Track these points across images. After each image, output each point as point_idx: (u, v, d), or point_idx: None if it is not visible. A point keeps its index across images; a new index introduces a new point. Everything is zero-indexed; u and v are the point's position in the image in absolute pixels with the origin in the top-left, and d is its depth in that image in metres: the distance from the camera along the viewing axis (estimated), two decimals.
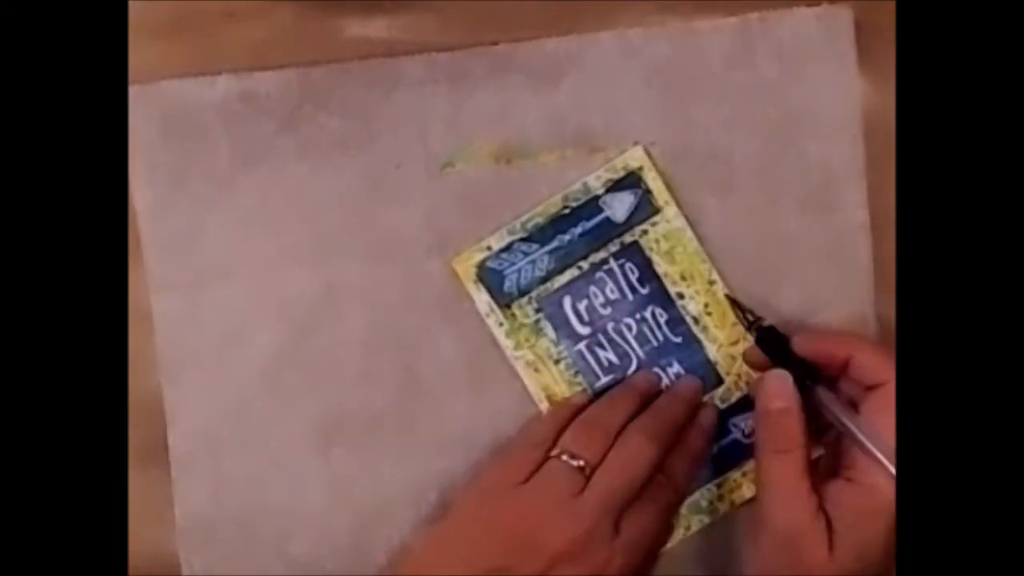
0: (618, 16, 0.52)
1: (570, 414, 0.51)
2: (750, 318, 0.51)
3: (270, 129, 0.52)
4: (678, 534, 0.52)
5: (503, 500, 0.48)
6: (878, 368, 0.47)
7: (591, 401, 0.52)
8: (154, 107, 0.52)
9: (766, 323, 0.51)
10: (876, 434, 0.45)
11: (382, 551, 0.52)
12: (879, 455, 0.45)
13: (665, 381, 0.53)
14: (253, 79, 0.52)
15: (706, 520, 0.52)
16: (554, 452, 0.49)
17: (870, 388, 0.47)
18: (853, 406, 0.47)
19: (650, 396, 0.52)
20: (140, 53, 0.51)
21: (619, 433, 0.49)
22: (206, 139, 0.52)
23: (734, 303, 0.52)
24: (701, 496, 0.52)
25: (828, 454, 0.49)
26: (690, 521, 0.52)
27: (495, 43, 0.52)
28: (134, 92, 0.51)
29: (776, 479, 0.46)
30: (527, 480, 0.48)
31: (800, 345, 0.49)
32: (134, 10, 0.50)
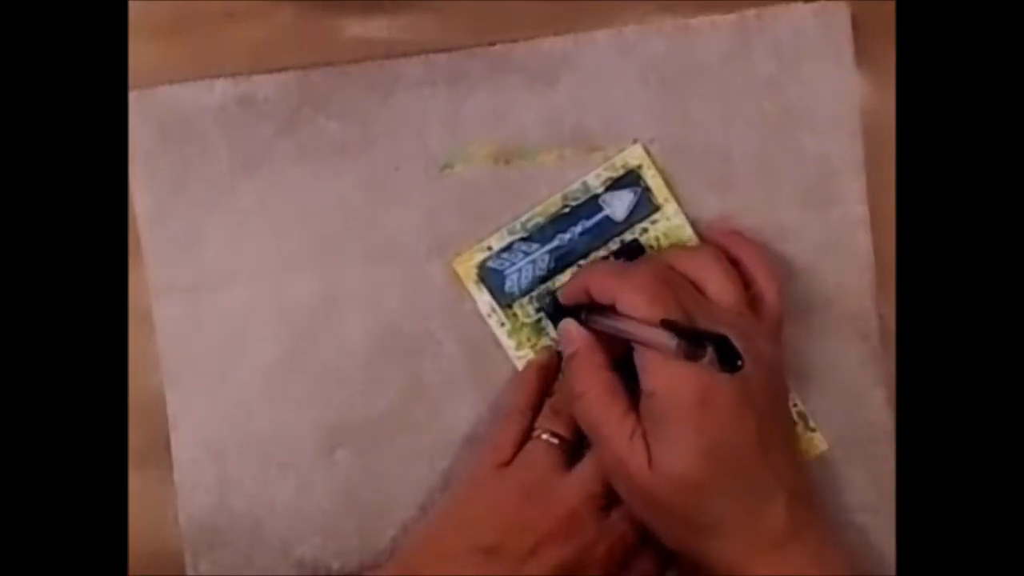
0: (616, 15, 0.52)
1: (537, 375, 0.51)
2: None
3: (269, 133, 0.52)
4: None
5: (489, 483, 0.49)
6: (605, 291, 0.47)
7: (558, 356, 0.52)
8: (152, 112, 0.52)
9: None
10: (638, 329, 0.46)
11: (387, 553, 0.52)
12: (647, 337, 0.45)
13: None
14: (251, 83, 0.52)
15: None
16: (534, 433, 0.49)
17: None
18: None
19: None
20: (140, 53, 0.51)
21: None
22: (205, 144, 0.52)
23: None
24: None
25: None
26: None
27: (493, 44, 0.52)
28: (133, 98, 0.51)
29: (591, 418, 0.47)
30: (510, 461, 0.49)
31: (562, 297, 0.51)
32: (134, 10, 0.50)
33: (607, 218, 0.52)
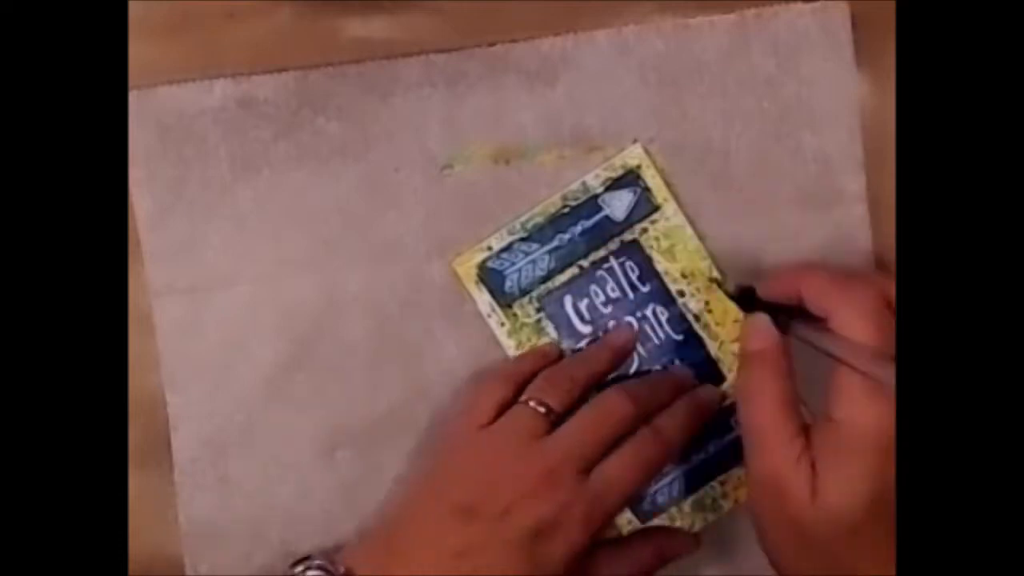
0: (615, 15, 0.52)
1: (535, 358, 0.51)
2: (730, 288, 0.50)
3: (269, 134, 0.52)
4: None
5: (467, 442, 0.49)
6: (821, 300, 0.45)
7: (560, 352, 0.52)
8: (152, 113, 0.52)
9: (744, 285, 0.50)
10: (853, 352, 0.43)
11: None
12: (858, 365, 0.43)
13: None
14: (251, 83, 0.52)
15: (711, 518, 0.52)
16: (522, 398, 0.49)
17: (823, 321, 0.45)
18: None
19: (626, 351, 0.52)
20: (140, 53, 0.51)
21: (594, 389, 0.50)
22: (205, 145, 0.52)
23: (717, 282, 0.52)
24: (705, 494, 0.52)
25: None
26: (694, 519, 0.52)
27: (492, 44, 0.52)
28: (132, 98, 0.51)
29: (757, 424, 0.45)
30: (490, 424, 0.49)
31: (763, 290, 0.48)
32: (134, 10, 0.50)
33: (607, 218, 0.52)
